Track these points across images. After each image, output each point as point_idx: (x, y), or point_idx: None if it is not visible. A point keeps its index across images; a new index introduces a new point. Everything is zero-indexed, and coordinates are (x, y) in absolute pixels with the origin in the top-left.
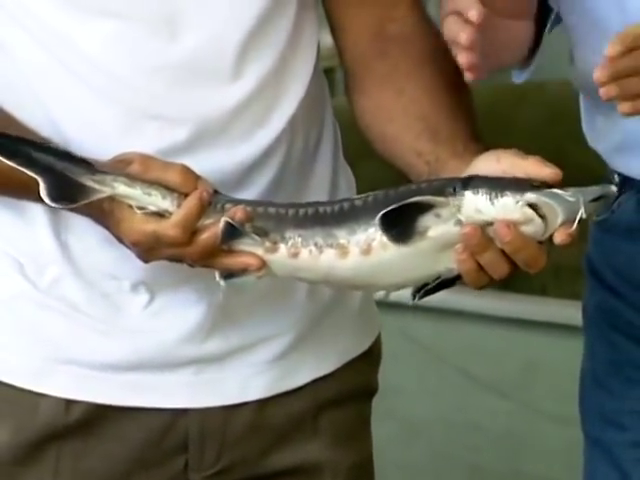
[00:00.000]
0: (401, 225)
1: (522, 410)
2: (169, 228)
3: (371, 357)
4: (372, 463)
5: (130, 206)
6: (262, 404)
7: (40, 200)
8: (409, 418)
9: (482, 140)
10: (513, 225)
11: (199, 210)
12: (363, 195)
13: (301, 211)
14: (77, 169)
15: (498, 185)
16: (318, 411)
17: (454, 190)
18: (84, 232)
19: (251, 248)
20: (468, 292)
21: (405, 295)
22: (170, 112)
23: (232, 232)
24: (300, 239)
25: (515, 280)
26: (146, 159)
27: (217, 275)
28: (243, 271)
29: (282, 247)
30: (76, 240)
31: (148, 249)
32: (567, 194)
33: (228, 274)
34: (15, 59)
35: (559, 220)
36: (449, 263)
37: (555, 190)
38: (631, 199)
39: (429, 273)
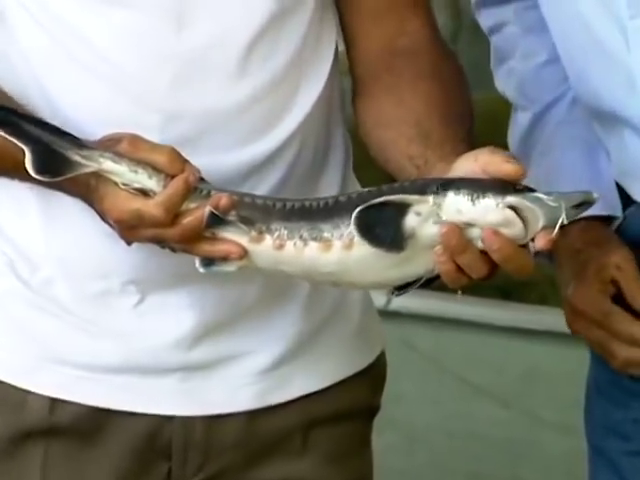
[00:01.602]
0: (382, 227)
1: (522, 418)
2: (152, 207)
3: (372, 376)
4: None
5: (116, 183)
6: (250, 416)
7: (27, 178)
8: (409, 426)
9: (475, 146)
10: (500, 233)
11: (184, 192)
12: (349, 192)
13: (288, 204)
14: (65, 143)
15: (480, 186)
16: (309, 427)
17: (436, 189)
18: (75, 231)
19: (236, 237)
20: (468, 301)
21: (406, 304)
22: (174, 105)
23: (216, 219)
24: (286, 231)
25: (515, 289)
26: (135, 138)
27: (197, 262)
28: (224, 259)
29: (268, 238)
30: (67, 239)
31: (130, 227)
32: (549, 198)
33: (208, 261)
34: (21, 47)
35: (540, 224)
36: (429, 264)
37: (537, 194)
38: (636, 214)
39: (409, 273)
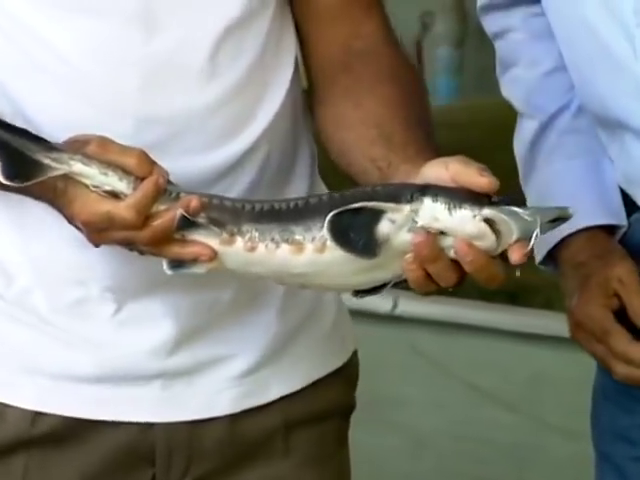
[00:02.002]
0: (355, 233)
1: (528, 423)
2: (123, 209)
3: (347, 375)
4: None
5: (85, 186)
6: (232, 419)
7: (5, 187)
8: (416, 430)
9: (438, 151)
10: (473, 245)
11: (154, 194)
12: (319, 194)
13: (257, 206)
14: (34, 146)
15: (457, 196)
16: (289, 429)
17: (410, 196)
18: (50, 238)
19: (206, 239)
20: (474, 306)
21: (412, 309)
22: (145, 110)
23: (186, 222)
24: (257, 233)
25: (521, 294)
26: (104, 141)
27: (165, 264)
28: (194, 261)
29: (239, 240)
30: (42, 248)
31: (99, 230)
32: (525, 213)
33: (176, 263)
34: None
35: (513, 237)
36: (398, 270)
37: (513, 208)
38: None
39: (379, 278)
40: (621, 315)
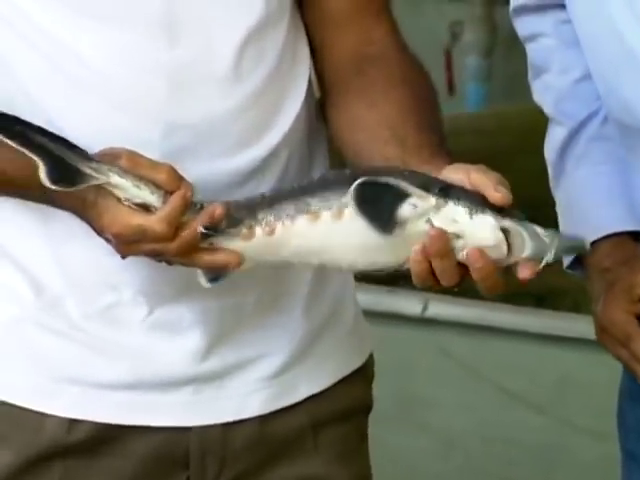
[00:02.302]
0: (379, 205)
1: (556, 425)
2: (155, 222)
3: (365, 374)
4: (370, 475)
5: (117, 198)
6: (262, 420)
7: (19, 192)
8: (445, 431)
9: (449, 154)
10: (485, 253)
11: (183, 207)
12: (336, 171)
13: (270, 193)
14: (74, 155)
15: (479, 202)
16: (317, 427)
17: (438, 191)
18: (81, 245)
19: (230, 242)
20: (503, 309)
21: (441, 312)
22: (172, 117)
23: (212, 229)
24: (272, 216)
25: (548, 297)
26: (134, 155)
27: (202, 279)
28: (224, 268)
29: (258, 229)
30: (73, 254)
31: (130, 242)
32: (543, 233)
33: (213, 277)
34: (13, 68)
35: (524, 254)
36: (403, 257)
37: (534, 226)
38: None
39: (383, 261)
40: None
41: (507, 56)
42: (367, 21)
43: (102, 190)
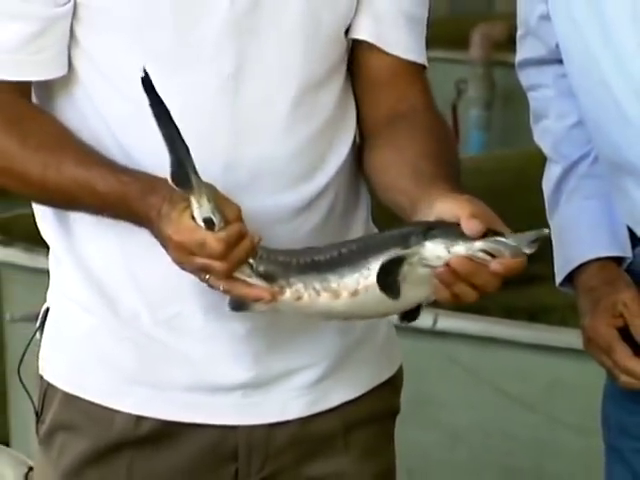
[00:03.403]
0: (389, 279)
1: (547, 422)
2: (215, 240)
3: (394, 384)
4: (394, 473)
5: (191, 214)
6: (301, 422)
7: (118, 211)
8: (452, 427)
9: (460, 185)
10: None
11: (240, 235)
12: (348, 242)
13: (301, 260)
14: (188, 162)
15: (452, 235)
16: (348, 429)
17: (418, 235)
18: (153, 262)
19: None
20: (502, 323)
21: (450, 326)
22: (231, 157)
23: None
24: (301, 284)
25: (540, 313)
26: (215, 189)
27: (228, 305)
28: (255, 301)
29: (287, 291)
30: (146, 271)
31: (187, 253)
32: (509, 240)
33: (238, 306)
34: (101, 111)
35: (506, 255)
36: (426, 293)
37: (499, 238)
38: None
39: (410, 303)
40: (626, 333)
41: (504, 109)
42: (402, 83)
43: (176, 205)
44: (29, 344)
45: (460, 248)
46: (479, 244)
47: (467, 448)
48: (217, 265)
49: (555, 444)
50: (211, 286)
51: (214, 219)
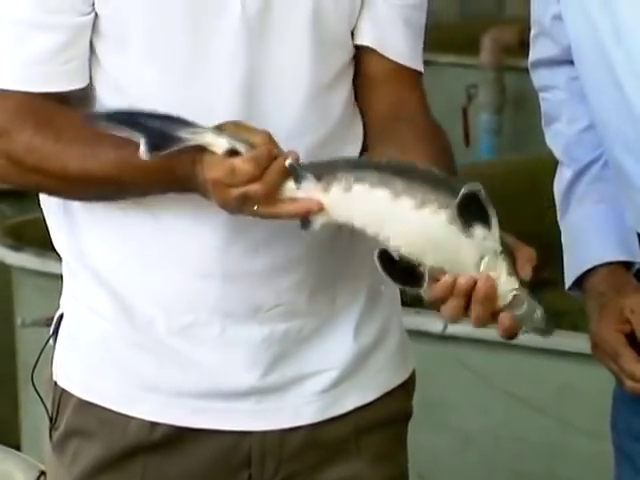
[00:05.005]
0: (473, 208)
1: (557, 425)
2: (243, 161)
3: (407, 388)
4: (407, 477)
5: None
6: (314, 427)
7: (153, 186)
8: (463, 431)
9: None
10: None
11: (268, 153)
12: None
13: (354, 159)
14: (174, 125)
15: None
16: (361, 434)
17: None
18: (170, 272)
19: (309, 193)
20: None
21: (460, 330)
22: None
23: (295, 165)
24: (353, 177)
25: (551, 318)
26: (237, 122)
27: (301, 230)
28: (306, 215)
29: (335, 185)
30: (164, 281)
31: (224, 187)
32: (538, 310)
33: (305, 224)
34: None
35: (517, 312)
36: (445, 268)
37: (538, 309)
38: None
39: (434, 261)
40: (633, 338)
41: (515, 113)
42: (402, 90)
43: (206, 151)
44: (42, 350)
45: (513, 282)
46: (522, 292)
47: (478, 452)
48: (254, 188)
49: (566, 448)
50: (263, 217)
51: (238, 147)
